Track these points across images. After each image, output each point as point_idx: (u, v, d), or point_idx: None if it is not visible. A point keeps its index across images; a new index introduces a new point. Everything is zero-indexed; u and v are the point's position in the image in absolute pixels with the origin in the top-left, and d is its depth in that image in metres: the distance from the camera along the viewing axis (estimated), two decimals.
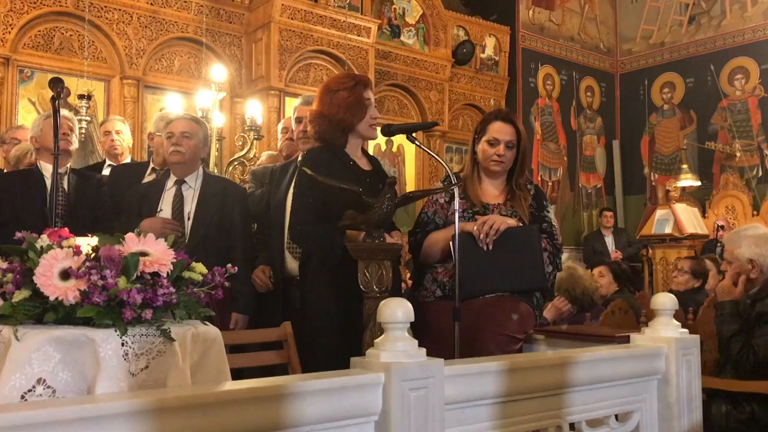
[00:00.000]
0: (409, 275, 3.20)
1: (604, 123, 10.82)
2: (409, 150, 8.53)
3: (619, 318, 3.56)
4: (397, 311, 1.75)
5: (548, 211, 3.09)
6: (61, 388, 1.77)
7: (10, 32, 6.09)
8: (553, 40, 10.28)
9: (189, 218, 3.23)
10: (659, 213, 8.24)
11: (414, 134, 2.88)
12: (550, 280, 3.00)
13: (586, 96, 10.66)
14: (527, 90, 9.93)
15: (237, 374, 2.17)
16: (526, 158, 3.07)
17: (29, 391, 1.73)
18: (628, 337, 2.42)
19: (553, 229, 3.04)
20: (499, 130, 2.97)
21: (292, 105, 3.80)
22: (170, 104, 5.72)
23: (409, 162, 8.61)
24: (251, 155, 5.57)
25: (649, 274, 8.43)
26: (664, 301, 2.37)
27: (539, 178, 9.72)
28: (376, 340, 1.80)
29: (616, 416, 2.25)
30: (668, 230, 7.96)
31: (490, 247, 2.77)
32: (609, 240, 9.48)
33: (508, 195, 3.02)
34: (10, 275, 1.82)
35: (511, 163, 3.01)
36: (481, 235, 2.76)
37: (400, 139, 7.21)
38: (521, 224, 2.90)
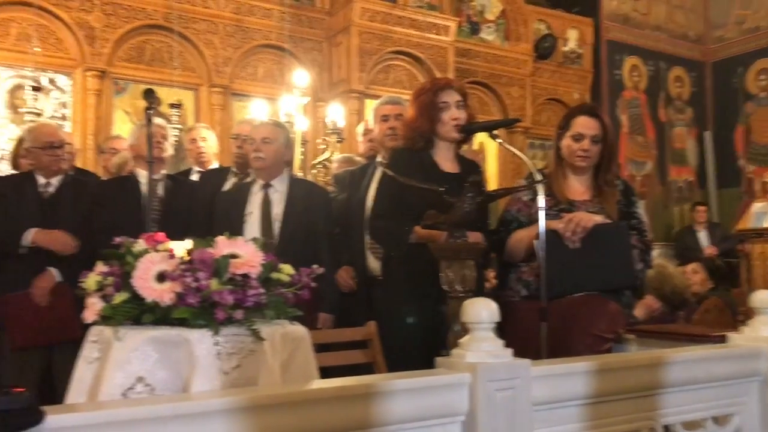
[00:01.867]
0: (493, 275, 3.17)
1: (695, 114, 10.38)
2: (491, 148, 8.44)
3: (714, 316, 3.42)
4: (482, 311, 1.74)
5: (637, 207, 3.00)
6: (160, 386, 1.85)
7: (105, 47, 6.40)
8: (638, 30, 9.94)
9: (277, 220, 3.31)
10: (756, 206, 7.83)
11: (496, 132, 2.86)
12: (640, 277, 2.91)
13: (675, 86, 10.26)
14: (612, 82, 9.64)
15: (323, 373, 2.21)
16: (612, 153, 2.99)
17: (130, 388, 1.82)
18: (724, 336, 2.31)
19: (643, 226, 2.95)
20: (584, 124, 2.91)
21: (372, 107, 3.84)
22: (256, 110, 5.87)
23: (491, 160, 8.52)
24: (333, 158, 5.65)
25: (746, 270, 8.02)
26: (764, 298, 2.25)
27: (627, 173, 9.42)
28: (460, 341, 1.79)
29: (714, 418, 2.16)
30: (767, 224, 7.56)
31: (577, 245, 2.71)
32: (702, 235, 9.08)
33: (594, 191, 2.95)
34: (110, 278, 1.92)
35: (597, 158, 2.94)
36: (568, 233, 2.71)
37: (481, 137, 7.16)
38: (609, 221, 2.82)
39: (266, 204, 3.35)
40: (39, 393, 2.92)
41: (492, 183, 8.46)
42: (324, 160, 5.66)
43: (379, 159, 3.55)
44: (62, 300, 3.06)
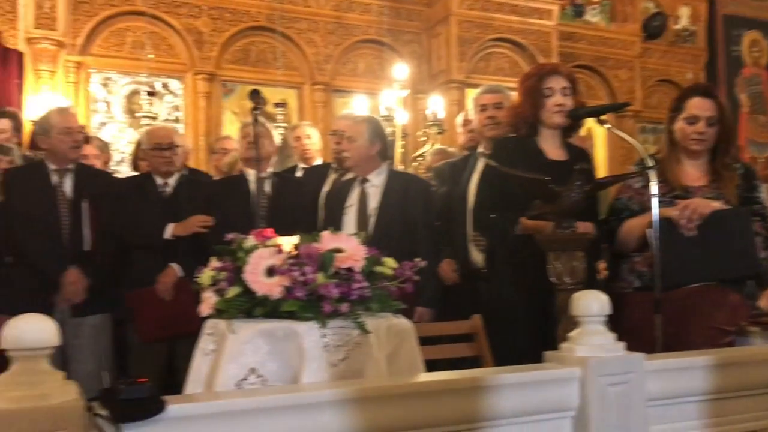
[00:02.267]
0: (604, 266, 3.07)
1: None
2: (600, 134, 8.15)
3: None
4: (593, 304, 1.69)
5: (760, 192, 2.81)
6: (271, 377, 1.92)
7: (213, 50, 6.66)
8: (758, 2, 9.30)
9: (373, 215, 3.33)
10: None
11: (604, 117, 2.76)
12: (764, 266, 2.72)
13: None
14: (730, 60, 9.08)
15: (428, 366, 2.21)
16: (730, 135, 2.82)
17: (243, 379, 1.89)
18: None
19: (767, 211, 2.76)
20: (698, 106, 2.75)
21: (472, 97, 3.79)
22: (357, 106, 5.94)
23: (600, 146, 8.24)
24: (426, 151, 5.64)
25: None
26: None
27: (748, 156, 8.85)
28: (570, 334, 1.74)
29: None
30: None
31: (694, 232, 2.57)
32: None
33: (711, 176, 2.79)
34: (223, 273, 2.00)
35: (713, 141, 2.78)
36: (683, 221, 2.57)
37: (589, 123, 6.95)
38: (728, 207, 2.67)
39: (363, 198, 3.39)
40: (163, 383, 3.10)
41: (601, 170, 8.17)
42: (425, 152, 5.66)
43: (480, 149, 3.51)
44: (184, 294, 3.21)
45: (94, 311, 3.40)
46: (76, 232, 3.38)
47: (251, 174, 3.55)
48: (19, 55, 5.96)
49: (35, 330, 1.38)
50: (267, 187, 3.51)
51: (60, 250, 3.34)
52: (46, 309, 3.12)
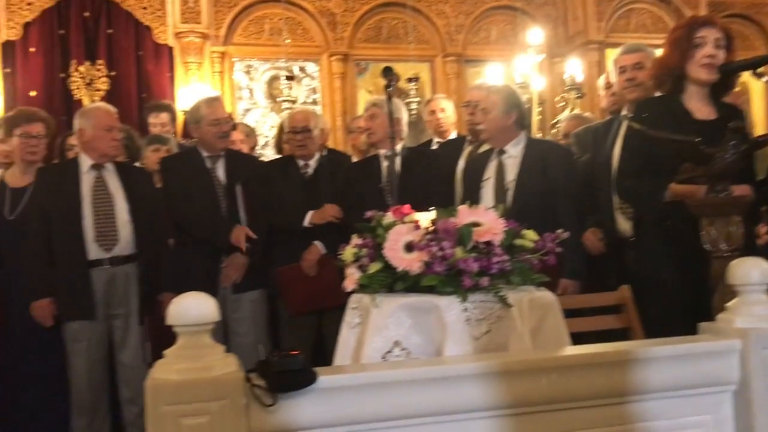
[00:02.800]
0: (766, 230, 2.84)
1: None
2: (756, 89, 7.52)
3: None
4: (752, 272, 1.58)
5: None
6: (415, 350, 1.95)
7: (346, 30, 6.79)
8: None
9: (511, 187, 3.27)
10: None
11: (760, 69, 2.54)
12: None
13: None
14: None
15: (574, 339, 2.16)
16: None
17: (388, 352, 1.94)
18: None
19: None
20: None
21: (613, 57, 3.60)
22: (490, 75, 5.84)
23: (756, 102, 7.60)
24: (561, 118, 5.43)
25: None
26: None
27: None
28: (727, 304, 1.64)
29: None
30: None
31: None
32: None
33: None
34: (365, 250, 2.06)
35: None
36: None
37: (743, 77, 6.42)
38: None
39: (500, 170, 3.33)
40: (312, 355, 3.25)
41: (759, 128, 7.54)
42: (562, 118, 5.48)
43: (623, 113, 3.34)
44: (328, 270, 3.34)
45: (252, 287, 3.60)
46: (233, 214, 3.59)
47: (382, 152, 3.60)
48: (169, 50, 6.38)
49: (198, 307, 1.49)
50: (398, 163, 3.54)
51: (222, 225, 3.55)
52: (209, 286, 3.37)
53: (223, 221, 3.57)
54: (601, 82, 4.02)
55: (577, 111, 5.26)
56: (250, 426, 1.48)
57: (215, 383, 1.46)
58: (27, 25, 6.08)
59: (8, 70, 6.02)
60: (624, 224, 3.18)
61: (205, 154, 3.67)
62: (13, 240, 3.38)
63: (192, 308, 1.48)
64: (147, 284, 3.43)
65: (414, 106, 6.46)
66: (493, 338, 1.93)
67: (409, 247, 1.99)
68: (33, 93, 6.02)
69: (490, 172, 3.36)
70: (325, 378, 1.57)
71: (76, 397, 3.34)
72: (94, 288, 3.31)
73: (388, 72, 3.17)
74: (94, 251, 3.31)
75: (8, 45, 6.04)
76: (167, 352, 1.52)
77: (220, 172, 3.66)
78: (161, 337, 3.31)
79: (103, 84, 6.15)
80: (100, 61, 6.19)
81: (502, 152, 3.37)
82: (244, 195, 3.63)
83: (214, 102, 3.79)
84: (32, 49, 6.07)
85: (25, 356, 3.40)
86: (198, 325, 1.49)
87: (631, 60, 3.28)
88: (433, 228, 2.02)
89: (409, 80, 6.70)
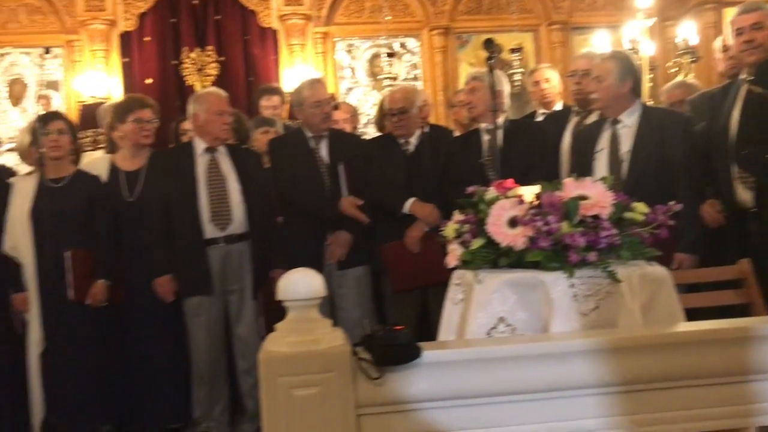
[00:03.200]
0: None
1: None
2: None
3: None
4: None
5: None
6: (520, 326, 1.94)
7: (446, 3, 6.71)
8: None
9: (626, 158, 3.15)
10: None
11: None
12: None
13: None
14: None
15: (692, 315, 2.07)
16: None
17: (493, 328, 1.94)
18: None
19: None
20: None
21: (730, 17, 3.38)
22: (597, 42, 5.63)
23: None
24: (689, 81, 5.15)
25: None
26: None
27: None
28: None
29: None
30: None
31: None
32: None
33: None
34: (467, 226, 2.05)
35: None
36: None
37: None
38: None
39: (614, 141, 3.20)
40: (417, 331, 3.29)
41: None
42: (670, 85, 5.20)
43: (742, 77, 3.13)
44: (432, 246, 3.35)
45: (356, 264, 3.68)
46: (336, 193, 3.67)
47: (483, 126, 3.56)
48: (274, 33, 6.54)
49: (305, 282, 1.54)
50: (500, 137, 3.47)
51: (328, 201, 3.64)
52: (315, 263, 3.47)
53: (328, 197, 3.65)
54: (717, 44, 3.79)
55: (681, 78, 4.98)
56: (358, 398, 1.53)
57: (323, 356, 1.51)
58: (142, 16, 6.39)
59: (126, 60, 6.37)
60: (744, 194, 3.00)
61: (309, 134, 3.75)
62: (134, 220, 3.59)
63: (300, 284, 1.54)
64: (259, 261, 3.57)
65: (517, 77, 6.33)
66: (602, 314, 1.89)
67: (513, 223, 1.97)
68: (149, 80, 6.34)
69: (604, 143, 3.24)
70: (430, 353, 1.59)
71: (197, 368, 3.54)
72: (211, 265, 3.47)
73: (489, 44, 3.11)
74: (209, 230, 3.48)
75: (125, 35, 6.38)
76: (278, 325, 1.58)
77: (324, 151, 3.74)
78: (273, 312, 3.46)
79: (213, 69, 6.40)
80: (209, 47, 6.43)
81: (616, 122, 3.24)
82: (346, 174, 3.69)
83: (315, 84, 3.86)
84: (147, 39, 6.39)
85: (146, 331, 3.61)
86: (306, 300, 1.54)
87: (749, 20, 3.07)
88: (537, 202, 1.99)
89: (512, 51, 6.56)
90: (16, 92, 6.33)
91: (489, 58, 3.14)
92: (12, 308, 3.49)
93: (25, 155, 3.82)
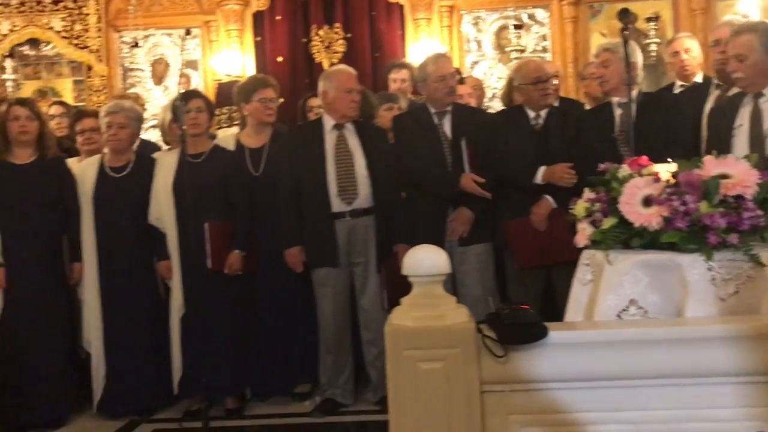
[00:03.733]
0: None
1: None
2: None
3: None
4: None
5: None
6: (652, 310, 1.87)
7: None
8: None
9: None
10: None
11: None
12: None
13: None
14: None
15: None
16: None
17: (623, 310, 1.88)
18: None
19: None
20: None
21: None
22: (744, 7, 5.23)
23: None
24: None
25: None
26: None
27: None
28: None
29: None
30: None
31: None
32: None
33: None
34: (598, 205, 1.99)
35: None
36: None
37: None
38: None
39: (756, 116, 2.96)
40: (541, 310, 3.24)
41: None
42: None
43: None
44: (558, 224, 3.28)
45: (478, 240, 3.67)
46: (458, 169, 3.66)
47: (615, 100, 3.40)
48: (400, 8, 6.55)
49: (430, 259, 1.56)
50: (633, 111, 3.31)
51: (449, 177, 3.64)
52: (436, 239, 3.49)
53: (449, 174, 3.65)
54: None
55: None
56: (482, 375, 1.54)
57: (448, 332, 1.53)
58: None
59: (258, 39, 6.60)
60: None
61: (432, 110, 3.75)
62: (261, 194, 3.76)
63: (425, 260, 1.56)
64: (383, 235, 3.63)
65: (653, 47, 6.00)
66: (743, 300, 1.79)
67: (648, 202, 1.89)
68: (279, 59, 6.55)
69: (743, 118, 3.02)
70: (556, 333, 1.57)
71: (323, 336, 3.67)
72: (337, 238, 3.58)
73: (624, 14, 2.97)
74: (336, 204, 3.58)
75: (258, 15, 6.61)
76: (404, 300, 1.62)
77: (447, 127, 3.72)
78: (396, 285, 3.53)
79: (340, 46, 6.51)
80: (337, 24, 6.54)
81: (759, 95, 3.01)
82: (468, 149, 3.67)
83: (440, 59, 3.85)
84: (278, 17, 6.59)
85: (276, 299, 3.79)
86: (431, 276, 1.56)
87: None
88: (674, 181, 1.89)
89: (648, 20, 6.21)
90: (159, 71, 6.74)
91: (624, 29, 3.00)
92: (156, 274, 3.77)
93: (166, 132, 4.08)
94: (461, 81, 4.46)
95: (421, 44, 6.31)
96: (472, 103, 4.51)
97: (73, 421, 3.68)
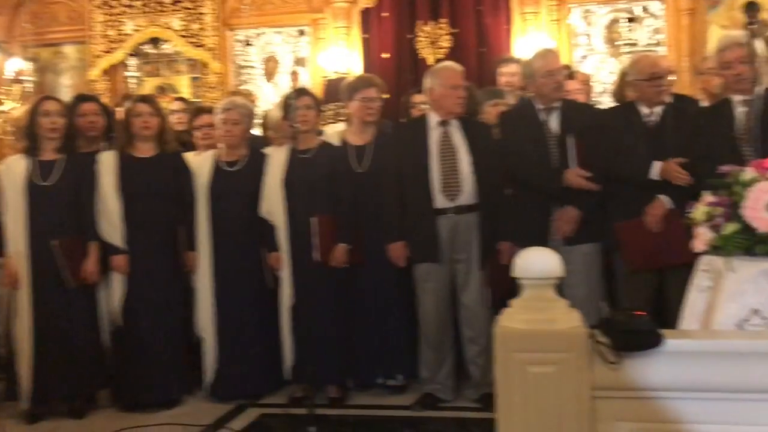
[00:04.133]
0: None
1: None
2: None
3: None
4: None
5: None
6: None
7: None
8: None
9: None
10: None
11: None
12: None
13: None
14: None
15: None
16: None
17: (744, 320, 1.79)
18: None
19: None
20: None
21: None
22: None
23: None
24: None
25: None
26: None
27: None
28: None
29: None
30: None
31: None
32: None
33: None
34: (719, 209, 1.90)
35: None
36: None
37: None
38: None
39: None
40: (652, 313, 3.12)
41: None
42: None
43: None
44: (673, 226, 3.14)
45: (585, 240, 3.57)
46: (564, 166, 3.58)
47: (736, 97, 3.21)
48: (507, 2, 6.45)
49: (542, 262, 1.55)
50: (758, 108, 3.11)
51: (553, 173, 3.57)
52: (541, 238, 3.43)
53: (553, 169, 3.57)
54: None
55: None
56: (594, 381, 1.51)
57: (559, 336, 1.51)
58: None
59: (366, 36, 6.69)
60: None
61: (539, 106, 3.69)
62: (364, 190, 3.82)
63: (537, 262, 1.55)
64: (486, 232, 3.61)
65: None
66: None
67: None
68: (385, 55, 6.61)
69: None
70: (672, 341, 1.52)
71: (424, 331, 3.70)
72: (440, 234, 3.59)
73: (752, 7, 2.80)
74: (440, 201, 3.59)
75: (365, 12, 6.69)
76: (513, 302, 1.61)
77: (554, 123, 3.65)
78: (499, 283, 3.50)
79: (445, 42, 6.50)
80: (443, 20, 6.53)
81: None
82: (577, 146, 3.58)
83: (547, 54, 3.78)
84: (385, 14, 6.64)
85: (379, 293, 3.84)
86: (542, 278, 1.55)
87: None
88: None
89: None
90: (270, 69, 6.96)
91: (750, 23, 2.83)
92: (265, 265, 3.91)
93: (276, 128, 4.21)
94: (570, 76, 4.36)
95: (528, 39, 6.21)
96: (581, 98, 4.40)
97: (186, 403, 3.87)
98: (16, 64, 6.00)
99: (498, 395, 1.54)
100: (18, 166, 3.73)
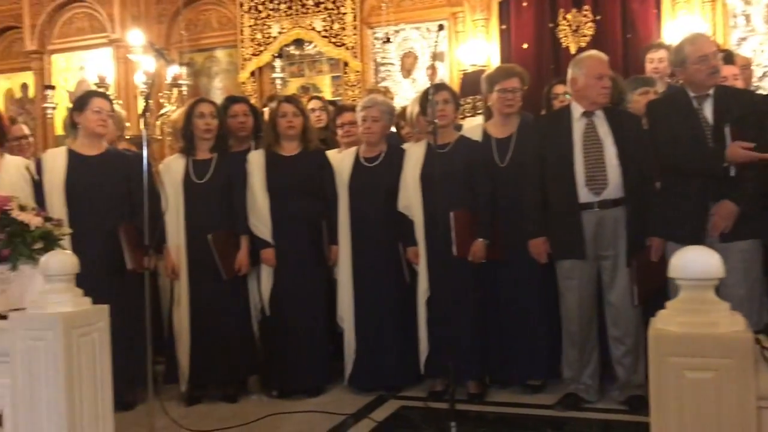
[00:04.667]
0: None
1: None
2: None
3: None
4: None
5: None
6: None
7: None
8: None
9: None
10: None
11: None
12: None
13: None
14: None
15: None
16: None
17: None
18: None
19: None
20: None
21: None
22: None
23: None
24: None
25: None
26: None
27: None
28: None
29: None
30: None
31: None
32: None
33: None
34: None
35: None
36: None
37: None
38: None
39: None
40: None
41: None
42: None
43: None
44: None
45: (744, 236, 3.32)
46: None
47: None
48: None
49: (702, 262, 1.45)
50: None
51: (713, 152, 3.33)
52: (695, 234, 3.22)
53: (712, 148, 3.32)
54: None
55: None
56: (759, 389, 1.40)
57: (720, 340, 1.41)
58: None
59: (504, 27, 6.59)
60: None
61: (692, 94, 3.45)
62: (507, 185, 3.75)
63: (696, 263, 1.45)
64: (634, 228, 3.45)
65: None
66: None
67: None
68: (525, 45, 6.48)
69: None
70: None
71: (567, 329, 3.59)
72: (585, 230, 3.46)
73: None
74: (584, 195, 3.46)
75: (504, 3, 6.59)
76: (669, 304, 1.52)
77: (708, 111, 3.40)
78: (647, 280, 3.33)
79: (589, 29, 6.27)
80: (585, 7, 6.30)
81: None
82: (734, 135, 3.31)
83: (698, 38, 3.53)
84: (524, 4, 6.51)
85: (519, 289, 3.77)
86: (702, 279, 1.45)
87: None
88: None
89: None
90: (408, 64, 7.02)
91: None
92: (403, 259, 3.95)
93: (413, 124, 4.24)
94: (728, 60, 4.05)
95: (678, 22, 5.85)
96: (739, 84, 4.08)
97: (329, 392, 4.00)
98: (174, 69, 6.42)
99: (652, 399, 1.46)
100: (176, 165, 4.00)
